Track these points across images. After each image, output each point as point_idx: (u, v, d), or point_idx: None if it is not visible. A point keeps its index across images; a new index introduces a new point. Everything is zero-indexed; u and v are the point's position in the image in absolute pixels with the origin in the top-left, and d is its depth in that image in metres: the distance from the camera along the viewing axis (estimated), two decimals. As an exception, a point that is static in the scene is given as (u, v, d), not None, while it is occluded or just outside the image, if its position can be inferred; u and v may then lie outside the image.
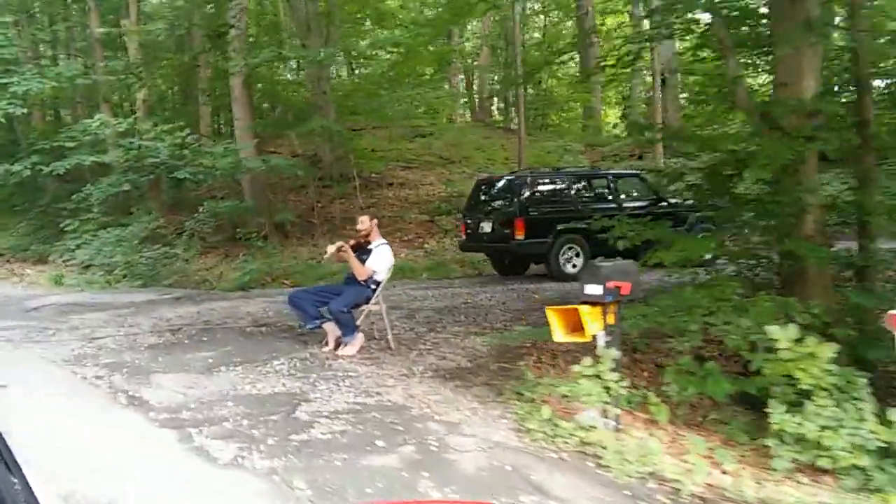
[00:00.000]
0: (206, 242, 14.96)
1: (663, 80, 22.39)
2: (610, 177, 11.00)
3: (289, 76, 20.38)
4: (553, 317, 4.08)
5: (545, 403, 4.65)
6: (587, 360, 4.02)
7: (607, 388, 3.96)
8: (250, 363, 5.72)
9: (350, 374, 5.41)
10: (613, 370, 3.96)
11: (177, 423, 4.27)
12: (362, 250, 6.20)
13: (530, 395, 4.82)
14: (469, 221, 10.95)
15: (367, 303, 6.16)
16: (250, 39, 16.68)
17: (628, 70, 8.46)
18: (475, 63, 26.55)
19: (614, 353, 3.99)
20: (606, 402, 3.98)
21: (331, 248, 6.31)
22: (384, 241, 6.39)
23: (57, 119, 20.84)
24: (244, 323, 7.56)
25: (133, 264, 13.10)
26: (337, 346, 6.17)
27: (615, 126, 26.31)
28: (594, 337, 4.02)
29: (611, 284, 3.93)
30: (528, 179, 10.23)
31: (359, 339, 6.12)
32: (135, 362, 5.80)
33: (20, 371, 5.54)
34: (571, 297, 8.94)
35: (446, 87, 26.86)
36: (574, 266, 10.18)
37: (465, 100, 28.09)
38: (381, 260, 6.21)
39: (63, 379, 5.35)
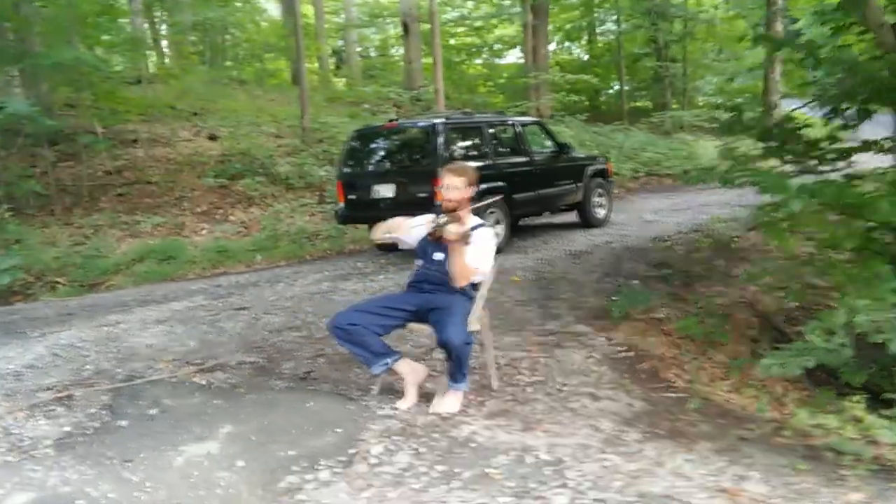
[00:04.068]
0: None
1: (406, 28, 21.31)
2: (517, 125, 9.29)
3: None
4: None
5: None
6: None
7: None
8: (325, 458, 3.05)
9: (531, 454, 3.14)
10: None
11: None
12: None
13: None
14: (352, 185, 8.33)
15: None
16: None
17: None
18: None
19: None
20: None
21: (418, 225, 3.78)
22: (480, 220, 4.01)
23: None
24: (170, 368, 4.40)
25: None
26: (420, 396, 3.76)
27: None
28: None
29: None
30: (443, 127, 7.99)
31: (465, 385, 3.77)
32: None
33: None
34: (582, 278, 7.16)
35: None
36: (497, 235, 8.38)
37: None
38: (487, 253, 3.85)
39: None
